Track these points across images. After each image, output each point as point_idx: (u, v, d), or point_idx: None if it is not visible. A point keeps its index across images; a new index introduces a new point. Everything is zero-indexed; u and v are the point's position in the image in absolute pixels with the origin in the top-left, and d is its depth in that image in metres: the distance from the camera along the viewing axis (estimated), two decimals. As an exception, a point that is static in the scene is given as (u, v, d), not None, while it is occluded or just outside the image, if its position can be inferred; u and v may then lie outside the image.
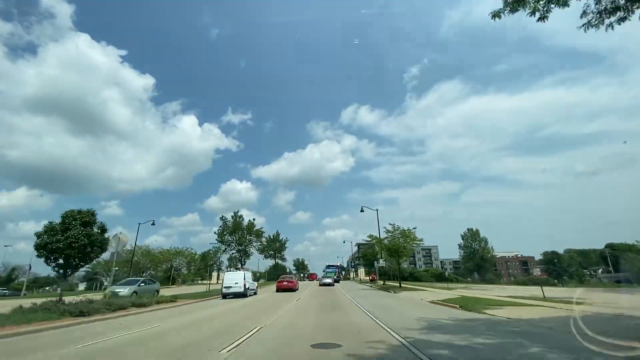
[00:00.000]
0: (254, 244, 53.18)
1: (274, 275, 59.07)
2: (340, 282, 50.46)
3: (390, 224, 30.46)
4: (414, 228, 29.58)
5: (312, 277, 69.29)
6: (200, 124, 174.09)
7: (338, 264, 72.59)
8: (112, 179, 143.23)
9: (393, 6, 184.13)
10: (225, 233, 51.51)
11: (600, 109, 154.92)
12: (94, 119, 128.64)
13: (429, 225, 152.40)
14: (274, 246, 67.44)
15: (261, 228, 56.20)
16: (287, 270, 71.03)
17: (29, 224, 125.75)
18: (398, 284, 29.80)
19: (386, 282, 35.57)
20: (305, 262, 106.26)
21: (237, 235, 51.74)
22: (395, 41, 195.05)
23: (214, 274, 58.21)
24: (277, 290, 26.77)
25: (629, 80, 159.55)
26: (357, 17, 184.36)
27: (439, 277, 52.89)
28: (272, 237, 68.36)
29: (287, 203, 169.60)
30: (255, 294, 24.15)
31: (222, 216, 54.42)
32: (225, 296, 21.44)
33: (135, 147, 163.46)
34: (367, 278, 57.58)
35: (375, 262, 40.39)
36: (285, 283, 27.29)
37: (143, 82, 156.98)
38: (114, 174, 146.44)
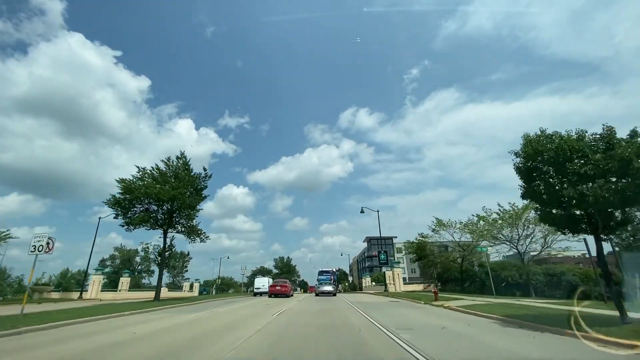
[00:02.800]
0: None
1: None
2: (338, 293, 34.95)
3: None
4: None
5: (312, 290, 58.08)
6: (197, 128, 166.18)
7: (334, 269, 55.14)
8: (105, 183, 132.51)
9: (390, 14, 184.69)
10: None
11: (595, 118, 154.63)
12: (87, 121, 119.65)
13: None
14: (184, 196, 21.83)
15: None
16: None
17: (22, 230, 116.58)
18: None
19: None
20: (293, 263, 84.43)
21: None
22: (392, 47, 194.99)
23: (94, 279, 29.71)
24: (269, 295, 26.53)
25: (621, 89, 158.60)
26: (357, 19, 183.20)
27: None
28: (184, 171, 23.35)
29: (284, 209, 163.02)
30: None
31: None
32: (255, 294, 32.50)
33: (129, 151, 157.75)
34: (429, 289, 30.58)
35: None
36: (278, 287, 26.81)
37: (138, 84, 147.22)
38: (107, 179, 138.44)
